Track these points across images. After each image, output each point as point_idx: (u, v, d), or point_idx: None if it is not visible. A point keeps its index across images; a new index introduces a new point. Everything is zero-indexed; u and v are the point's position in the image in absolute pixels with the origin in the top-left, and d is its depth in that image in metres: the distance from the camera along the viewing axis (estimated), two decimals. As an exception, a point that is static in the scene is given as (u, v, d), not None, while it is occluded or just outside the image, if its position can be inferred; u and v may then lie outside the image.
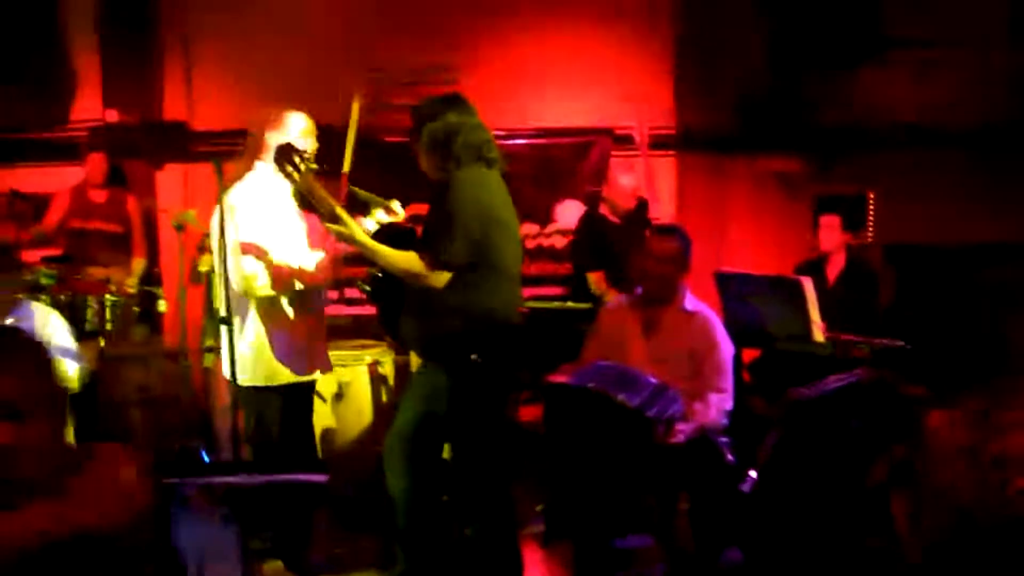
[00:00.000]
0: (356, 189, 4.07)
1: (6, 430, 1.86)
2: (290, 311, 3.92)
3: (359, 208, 3.91)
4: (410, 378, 4.27)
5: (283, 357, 3.90)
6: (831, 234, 5.53)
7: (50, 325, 4.27)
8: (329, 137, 6.42)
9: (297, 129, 3.95)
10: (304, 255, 3.99)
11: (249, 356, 3.85)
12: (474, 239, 3.49)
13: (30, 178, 6.66)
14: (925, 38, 6.25)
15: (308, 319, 3.99)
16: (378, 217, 3.87)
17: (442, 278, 3.50)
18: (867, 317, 5.13)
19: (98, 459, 1.99)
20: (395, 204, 3.90)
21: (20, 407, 1.88)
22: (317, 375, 4.12)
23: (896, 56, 6.28)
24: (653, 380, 3.74)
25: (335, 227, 3.50)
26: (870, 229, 6.16)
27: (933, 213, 6.11)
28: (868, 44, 6.28)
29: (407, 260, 3.51)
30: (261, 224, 3.84)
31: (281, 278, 3.83)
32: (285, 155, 3.59)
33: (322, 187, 3.57)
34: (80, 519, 1.89)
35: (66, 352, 4.19)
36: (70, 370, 4.15)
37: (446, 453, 4.02)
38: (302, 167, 3.57)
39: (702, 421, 3.84)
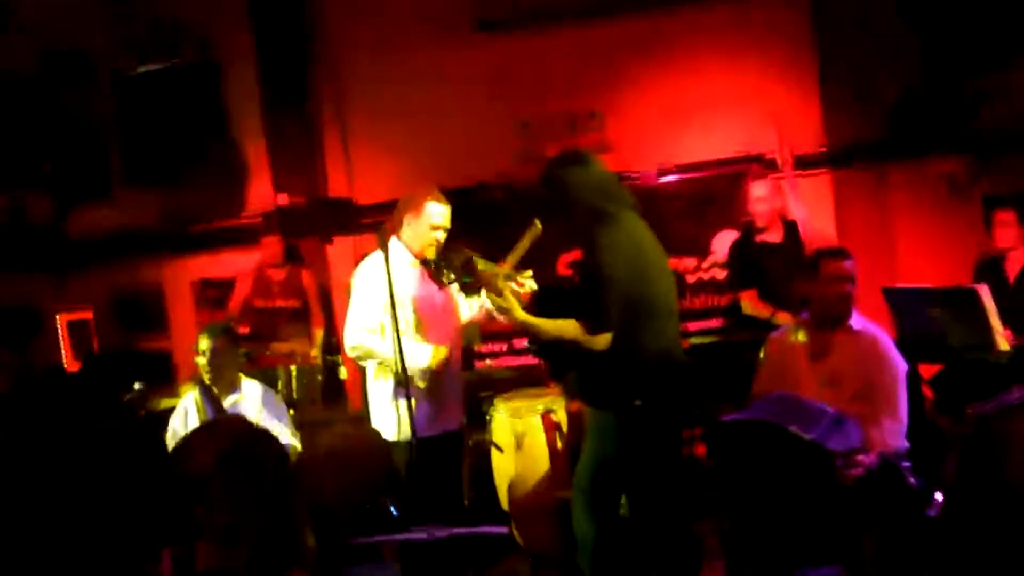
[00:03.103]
0: (482, 264, 4.18)
1: (224, 554, 1.88)
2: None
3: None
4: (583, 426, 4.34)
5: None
6: (1007, 231, 5.27)
7: (268, 406, 4.63)
8: (479, 195, 6.71)
9: (433, 218, 4.15)
10: (435, 323, 4.16)
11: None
12: (624, 299, 3.56)
13: (214, 265, 7.20)
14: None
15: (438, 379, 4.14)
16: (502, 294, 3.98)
17: (603, 340, 3.57)
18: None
19: None
20: (526, 276, 3.97)
21: (242, 531, 1.90)
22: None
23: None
24: (831, 411, 3.66)
25: (498, 301, 3.64)
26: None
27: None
28: (1019, 37, 5.99)
29: (565, 330, 3.61)
30: (377, 300, 4.03)
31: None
32: (465, 267, 3.78)
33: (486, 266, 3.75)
34: None
35: (283, 434, 4.50)
36: (292, 446, 4.47)
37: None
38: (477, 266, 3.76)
39: (881, 449, 3.73)
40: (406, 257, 4.17)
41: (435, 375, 4.11)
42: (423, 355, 4.07)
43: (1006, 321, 4.58)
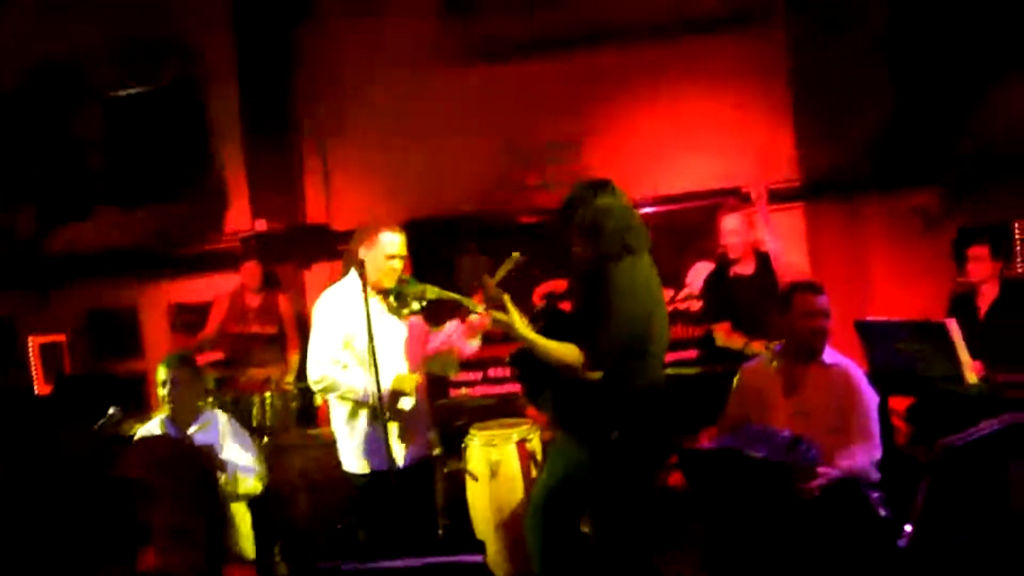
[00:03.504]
0: (438, 291, 4.18)
1: (176, 554, 1.95)
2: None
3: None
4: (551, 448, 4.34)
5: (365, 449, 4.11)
6: (981, 265, 5.34)
7: (231, 434, 4.57)
8: (462, 224, 6.74)
9: (389, 248, 4.15)
10: (396, 355, 4.17)
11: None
12: (631, 332, 3.57)
13: (191, 290, 7.18)
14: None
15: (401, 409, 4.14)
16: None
17: (597, 373, 3.57)
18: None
19: None
20: (478, 310, 3.98)
21: (188, 532, 1.98)
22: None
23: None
24: (787, 433, 3.72)
25: (499, 315, 3.62)
26: (1018, 259, 5.93)
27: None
28: (994, 70, 6.11)
29: (566, 353, 3.57)
30: (342, 328, 4.07)
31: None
32: (470, 266, 3.80)
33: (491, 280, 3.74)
34: None
35: (246, 460, 4.48)
36: (250, 475, 4.44)
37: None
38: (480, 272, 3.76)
39: (847, 465, 3.78)
40: (361, 288, 4.09)
41: (398, 405, 4.10)
42: (384, 383, 4.02)
43: (977, 354, 4.64)
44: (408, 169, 6.91)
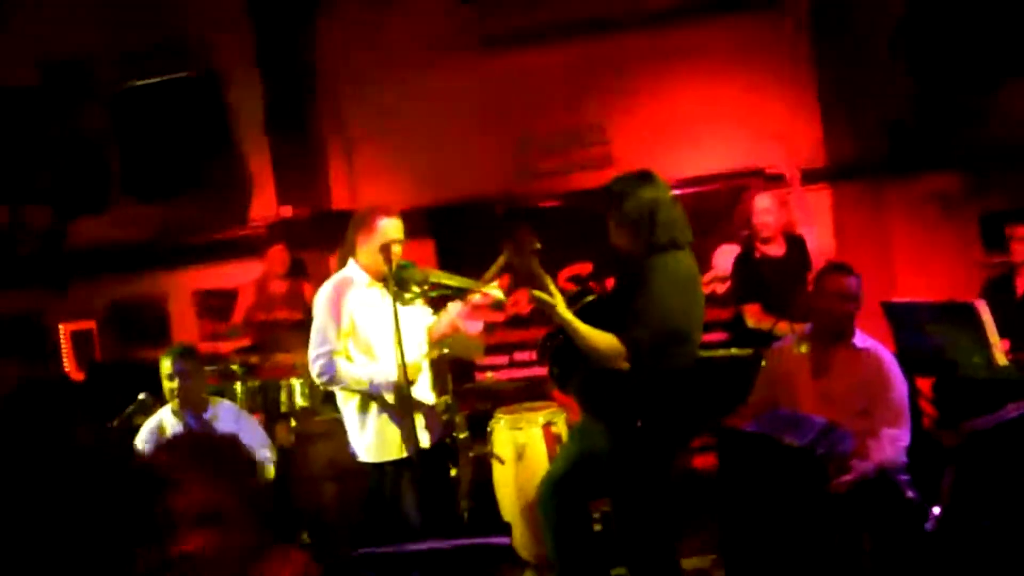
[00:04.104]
0: (440, 274, 4.15)
1: (208, 537, 1.98)
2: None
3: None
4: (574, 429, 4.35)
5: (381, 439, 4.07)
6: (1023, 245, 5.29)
7: (242, 425, 4.62)
8: (481, 208, 6.75)
9: (387, 233, 4.04)
10: (409, 346, 4.03)
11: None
12: (672, 326, 3.56)
13: (217, 277, 7.23)
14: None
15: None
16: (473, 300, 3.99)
17: (627, 364, 3.54)
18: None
19: (268, 561, 2.12)
20: (492, 288, 3.96)
21: (222, 514, 1.99)
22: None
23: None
24: (821, 420, 3.70)
25: (543, 296, 3.57)
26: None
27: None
28: (1011, 59, 6.05)
29: (606, 342, 3.53)
30: (344, 319, 4.02)
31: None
32: (519, 244, 3.75)
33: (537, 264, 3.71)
34: None
35: (260, 446, 4.52)
36: (265, 461, 4.51)
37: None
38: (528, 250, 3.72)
39: (879, 459, 3.76)
40: (363, 278, 4.10)
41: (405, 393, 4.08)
42: (391, 372, 3.99)
43: (1012, 336, 4.60)
44: (429, 156, 6.92)
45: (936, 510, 3.38)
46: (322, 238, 7.06)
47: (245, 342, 6.30)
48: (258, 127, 7.17)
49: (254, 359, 5.80)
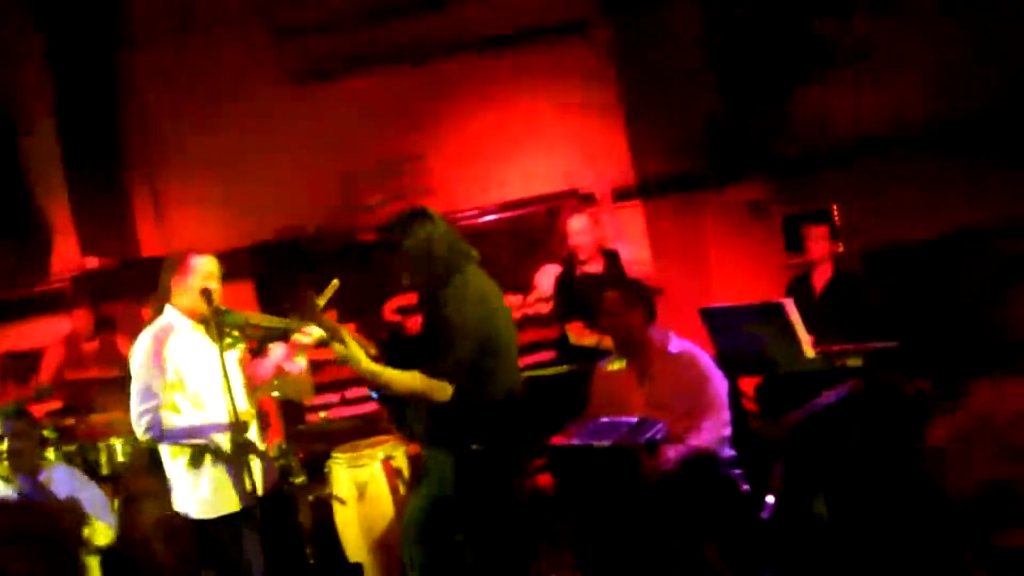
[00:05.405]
0: (260, 317, 4.08)
1: None
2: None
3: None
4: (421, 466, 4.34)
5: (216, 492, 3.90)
6: (819, 244, 5.65)
7: (81, 485, 4.41)
8: (303, 246, 6.63)
9: (202, 272, 3.90)
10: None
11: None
12: (477, 341, 3.64)
13: (20, 336, 6.76)
14: (859, 50, 6.45)
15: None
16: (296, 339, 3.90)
17: (445, 391, 3.61)
18: (859, 322, 5.22)
19: None
20: (310, 329, 3.86)
21: None
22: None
23: (832, 73, 6.49)
24: (632, 419, 3.85)
25: (340, 348, 3.60)
26: (840, 238, 6.29)
27: (896, 215, 6.27)
28: (802, 66, 6.49)
29: (410, 381, 3.62)
30: (168, 370, 3.85)
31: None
32: (304, 305, 3.69)
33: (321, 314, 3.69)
34: None
35: (101, 509, 4.27)
36: (110, 524, 4.26)
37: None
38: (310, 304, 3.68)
39: (694, 444, 3.92)
40: (184, 323, 3.92)
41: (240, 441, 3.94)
42: (222, 419, 3.81)
43: (813, 330, 4.90)
44: (245, 194, 6.74)
45: (770, 499, 3.54)
46: (132, 287, 6.74)
47: (56, 404, 5.92)
48: (56, 172, 6.80)
49: (68, 421, 5.46)
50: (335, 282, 3.85)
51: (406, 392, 3.65)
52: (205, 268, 3.90)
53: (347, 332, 3.68)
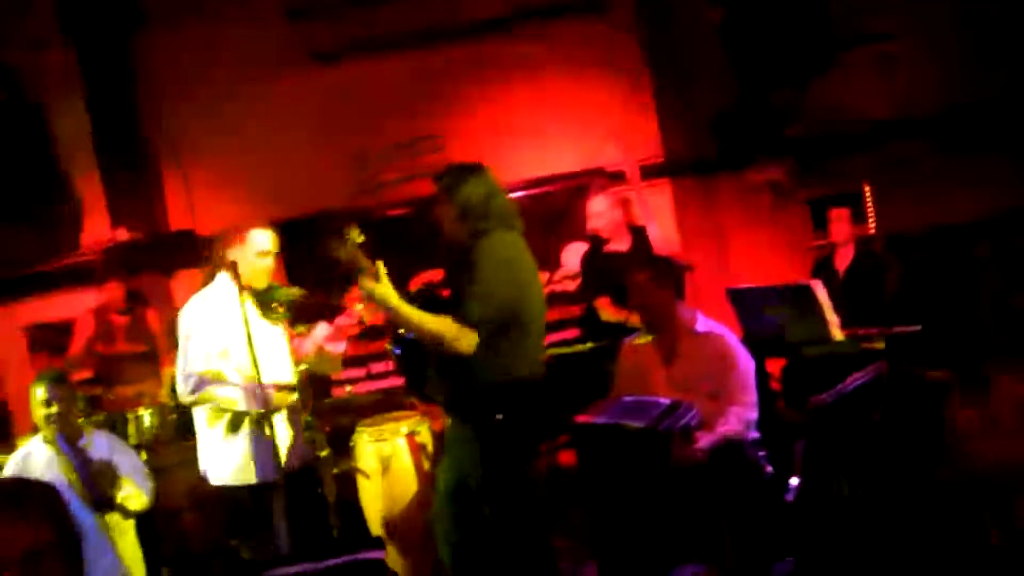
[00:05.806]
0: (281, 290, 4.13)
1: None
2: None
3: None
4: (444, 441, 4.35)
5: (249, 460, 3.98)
6: (842, 226, 5.65)
7: (118, 451, 4.43)
8: (327, 222, 6.65)
9: (260, 245, 4.01)
10: (273, 359, 4.03)
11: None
12: (503, 301, 3.59)
13: (51, 308, 6.85)
14: (877, 33, 6.39)
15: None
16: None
17: (471, 341, 3.55)
18: (879, 305, 5.20)
19: None
20: (357, 305, 3.98)
21: (37, 553, 2.01)
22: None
23: (851, 57, 6.43)
24: (665, 401, 3.82)
25: (374, 286, 3.55)
26: (871, 221, 6.25)
27: (920, 200, 6.22)
28: (824, 50, 6.43)
29: (439, 324, 3.57)
30: (217, 337, 3.93)
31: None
32: (343, 240, 3.67)
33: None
34: None
35: (137, 474, 4.34)
36: (145, 490, 4.31)
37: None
38: (348, 241, 3.64)
39: (723, 431, 3.90)
40: (234, 293, 3.96)
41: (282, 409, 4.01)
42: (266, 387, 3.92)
43: (837, 311, 4.87)
44: (268, 172, 6.79)
45: (794, 481, 3.53)
46: (160, 260, 6.82)
47: (86, 374, 6.00)
48: (86, 149, 6.87)
49: (97, 391, 5.52)
50: (380, 263, 3.81)
51: (433, 337, 3.57)
52: (264, 241, 4.02)
53: (381, 267, 3.61)
